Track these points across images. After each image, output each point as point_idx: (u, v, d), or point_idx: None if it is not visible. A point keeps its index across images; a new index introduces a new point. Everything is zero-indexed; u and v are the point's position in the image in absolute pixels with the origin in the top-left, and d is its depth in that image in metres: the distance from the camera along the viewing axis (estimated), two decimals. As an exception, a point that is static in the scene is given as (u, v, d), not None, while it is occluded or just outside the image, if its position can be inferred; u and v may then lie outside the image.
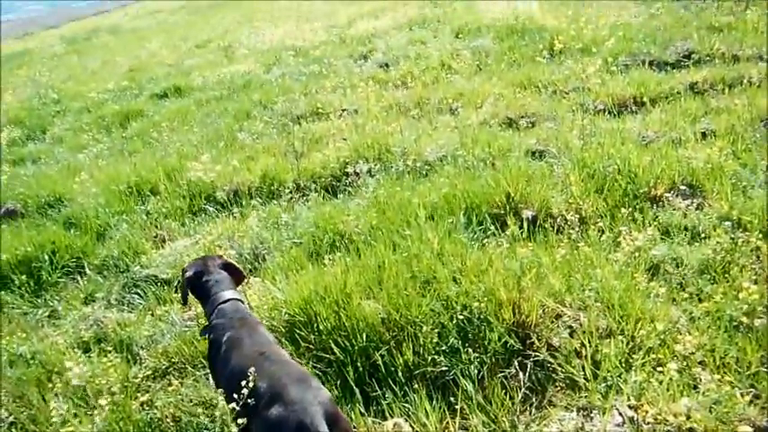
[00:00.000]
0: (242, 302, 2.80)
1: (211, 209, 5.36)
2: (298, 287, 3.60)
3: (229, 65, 10.98)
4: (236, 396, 2.23)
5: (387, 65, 9.22)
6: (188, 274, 2.85)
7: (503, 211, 4.21)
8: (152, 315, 4.02)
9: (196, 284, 2.84)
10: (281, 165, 5.81)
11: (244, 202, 5.32)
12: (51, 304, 4.49)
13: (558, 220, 4.08)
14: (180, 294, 2.94)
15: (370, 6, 14.39)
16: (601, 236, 3.77)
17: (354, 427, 2.75)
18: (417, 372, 3.04)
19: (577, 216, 3.96)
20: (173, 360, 3.61)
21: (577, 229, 3.84)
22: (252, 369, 2.28)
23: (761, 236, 3.48)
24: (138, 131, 8.05)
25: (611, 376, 2.74)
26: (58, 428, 3.06)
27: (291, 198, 5.27)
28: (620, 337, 2.90)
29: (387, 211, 4.41)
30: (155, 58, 13.89)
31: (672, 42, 7.20)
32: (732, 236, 3.51)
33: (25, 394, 3.44)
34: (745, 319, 2.91)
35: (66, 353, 3.74)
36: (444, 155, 5.39)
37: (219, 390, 2.57)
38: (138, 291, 4.41)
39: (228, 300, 2.75)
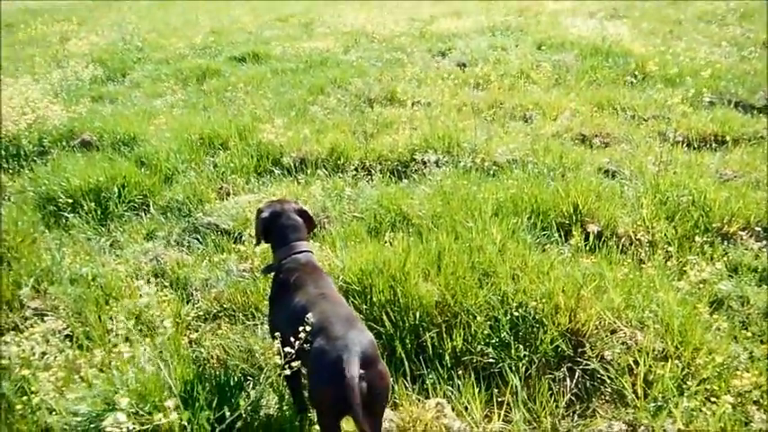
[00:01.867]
0: (313, 254, 2.87)
1: (277, 172, 5.45)
2: (357, 257, 3.65)
3: (309, 40, 11.12)
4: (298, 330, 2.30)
5: (464, 64, 9.21)
6: (264, 214, 2.90)
7: (568, 222, 4.19)
8: (209, 261, 4.12)
9: (271, 226, 2.90)
10: (350, 142, 5.87)
11: (309, 171, 5.40)
12: (114, 235, 4.65)
13: (624, 239, 4.03)
14: (255, 233, 3.00)
15: (456, 6, 14.37)
16: (666, 261, 3.71)
17: (393, 387, 2.79)
18: (465, 359, 3.05)
19: (645, 238, 3.90)
20: (224, 306, 3.71)
21: (643, 251, 3.78)
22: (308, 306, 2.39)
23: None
24: (214, 89, 8.25)
25: (663, 397, 2.70)
26: (110, 348, 3.17)
27: (356, 175, 5.32)
28: (676, 362, 2.85)
29: (451, 202, 4.42)
30: (236, 24, 14.16)
31: (761, 87, 7.01)
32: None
33: (83, 311, 3.58)
34: (808, 368, 2.84)
35: (125, 281, 3.87)
36: (514, 158, 5.37)
37: (273, 329, 2.66)
38: (198, 236, 4.52)
39: (303, 251, 2.81)
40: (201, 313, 3.66)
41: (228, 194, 5.11)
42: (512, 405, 2.80)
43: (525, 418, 2.74)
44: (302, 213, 2.97)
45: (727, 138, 5.76)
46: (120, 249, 4.43)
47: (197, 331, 3.50)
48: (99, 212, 4.88)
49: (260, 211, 2.95)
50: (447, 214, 4.24)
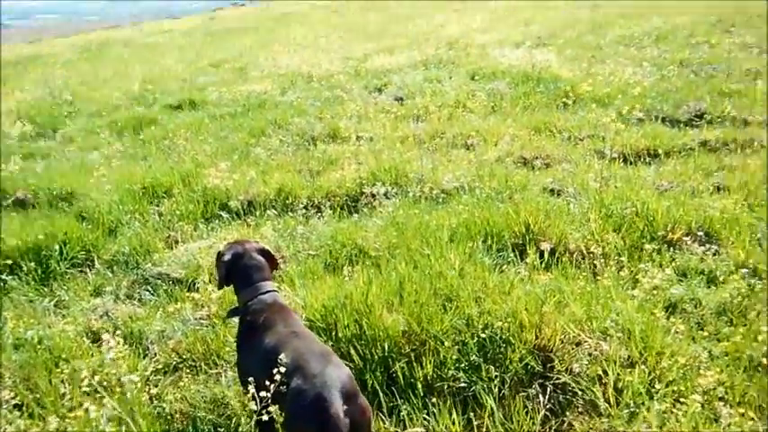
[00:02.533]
0: (278, 294, 2.81)
1: (225, 216, 5.37)
2: (318, 294, 3.61)
3: (244, 84, 11.10)
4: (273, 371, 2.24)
5: (402, 98, 9.37)
6: (225, 257, 2.84)
7: (521, 241, 4.26)
8: (163, 311, 3.99)
9: (233, 268, 2.83)
10: (297, 181, 5.85)
11: (258, 213, 5.33)
12: (58, 294, 4.44)
13: (576, 254, 4.12)
14: (217, 277, 2.93)
15: (387, 44, 14.67)
16: (619, 271, 3.82)
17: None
18: (437, 385, 3.03)
19: (598, 251, 4.01)
20: (183, 356, 3.58)
21: (598, 263, 3.89)
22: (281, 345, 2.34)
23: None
24: (153, 137, 8.09)
25: (635, 403, 2.74)
26: (65, 413, 3.00)
27: (306, 213, 5.29)
28: (643, 367, 2.91)
29: (405, 231, 4.44)
30: (168, 72, 14.03)
31: (684, 102, 7.40)
32: (749, 282, 3.57)
33: (31, 377, 3.38)
34: (765, 361, 2.95)
35: (75, 340, 3.69)
36: (461, 185, 5.46)
37: (243, 374, 2.58)
38: (149, 287, 4.38)
39: (269, 291, 2.75)
40: (161, 366, 3.52)
41: (177, 243, 4.98)
42: (489, 427, 2.79)
43: (504, 438, 2.74)
44: (264, 253, 2.92)
45: (660, 151, 6.03)
46: (66, 308, 4.23)
47: (157, 386, 3.36)
48: (40, 272, 4.67)
49: (221, 254, 2.88)
50: (403, 244, 4.25)
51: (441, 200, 5.25)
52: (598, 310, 3.34)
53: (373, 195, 5.45)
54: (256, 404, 2.29)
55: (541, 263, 3.92)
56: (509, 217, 4.42)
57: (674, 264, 3.91)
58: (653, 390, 2.82)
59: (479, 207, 4.75)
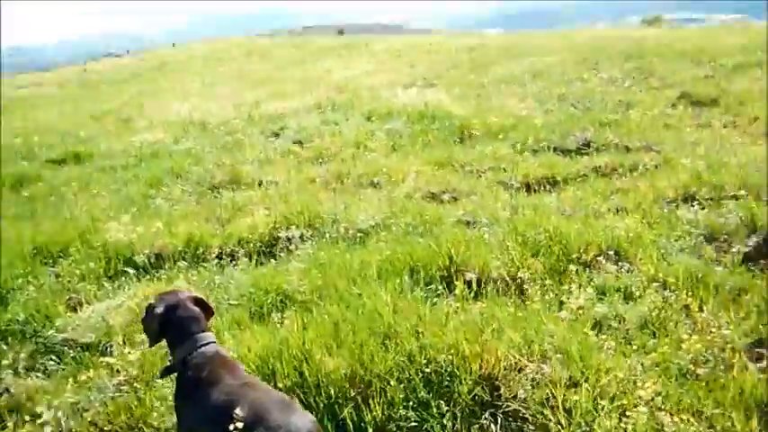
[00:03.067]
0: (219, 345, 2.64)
1: (132, 272, 5.03)
2: (250, 344, 3.44)
3: (134, 134, 10.65)
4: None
5: (300, 141, 9.35)
6: (158, 309, 2.62)
7: (446, 273, 4.30)
8: (74, 381, 3.63)
9: (167, 322, 2.62)
10: (206, 229, 5.63)
11: (168, 266, 5.05)
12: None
13: (500, 282, 4.21)
14: (147, 333, 2.71)
15: (276, 89, 14.65)
16: (544, 295, 3.93)
17: None
18: (389, 428, 2.94)
19: (523, 276, 4.12)
20: (104, 428, 3.27)
21: (524, 287, 3.99)
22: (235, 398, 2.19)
23: (688, 294, 3.77)
24: (37, 194, 7.52)
25: (585, 422, 2.80)
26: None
27: (220, 262, 5.08)
28: (586, 386, 2.98)
29: (329, 272, 4.36)
30: (46, 125, 13.19)
31: (571, 133, 7.89)
32: (663, 295, 3.79)
33: None
34: (692, 367, 3.12)
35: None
36: (376, 223, 5.46)
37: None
38: (54, 356, 3.99)
39: (209, 342, 2.57)
40: (80, 443, 3.19)
41: (81, 305, 4.59)
42: (447, 463, 2.73)
43: (463, 473, 2.69)
44: (198, 302, 2.74)
45: (558, 178, 6.37)
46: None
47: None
48: None
49: (152, 307, 2.67)
50: (330, 285, 4.17)
51: (358, 239, 5.22)
52: (533, 334, 3.41)
53: (289, 239, 5.33)
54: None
55: (470, 292, 3.97)
56: (431, 250, 4.46)
57: (592, 283, 4.08)
58: (599, 407, 2.89)
59: (399, 243, 4.77)
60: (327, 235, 5.27)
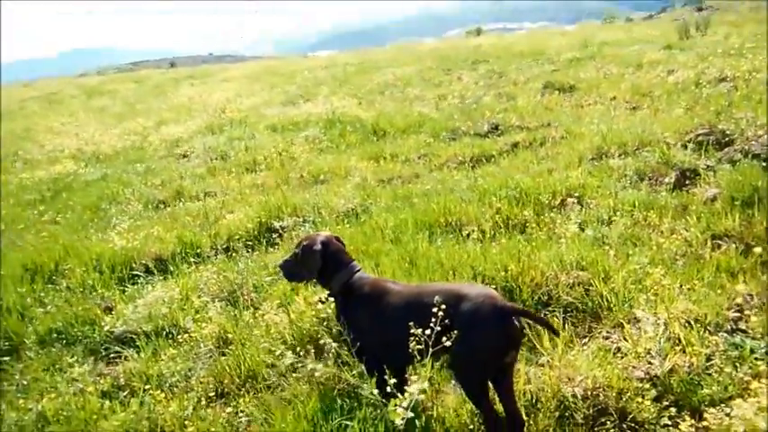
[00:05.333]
0: None
1: (142, 275, 5.18)
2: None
3: (31, 170, 10.13)
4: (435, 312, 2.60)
5: (214, 158, 9.55)
6: (317, 246, 3.08)
7: (452, 228, 5.02)
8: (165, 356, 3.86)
9: (325, 255, 3.08)
10: (192, 232, 5.85)
11: (172, 266, 5.26)
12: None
13: (501, 228, 4.99)
14: (308, 267, 3.13)
15: (157, 117, 14.42)
16: (541, 231, 4.77)
17: None
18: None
19: (513, 222, 4.94)
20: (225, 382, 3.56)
21: (523, 228, 4.82)
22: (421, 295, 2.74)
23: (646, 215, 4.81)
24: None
25: (623, 299, 3.65)
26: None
27: (227, 255, 5.37)
28: (612, 278, 3.84)
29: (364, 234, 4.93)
30: None
31: (478, 121, 8.94)
32: (631, 217, 4.80)
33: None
34: (676, 258, 4.11)
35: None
36: (355, 206, 6.03)
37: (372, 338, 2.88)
38: (120, 346, 4.13)
39: (359, 269, 3.07)
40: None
41: (111, 308, 4.68)
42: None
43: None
44: (338, 239, 3.24)
45: (487, 155, 7.32)
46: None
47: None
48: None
49: (308, 246, 3.10)
50: (370, 244, 4.72)
51: (347, 219, 5.76)
52: (555, 253, 4.22)
53: (282, 228, 5.73)
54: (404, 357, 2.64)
55: (483, 237, 4.72)
56: (433, 212, 5.16)
57: (571, 219, 5.00)
58: (629, 289, 3.76)
59: (395, 212, 5.41)
60: (317, 220, 5.74)
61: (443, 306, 2.60)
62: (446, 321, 2.60)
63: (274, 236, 5.67)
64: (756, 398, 2.71)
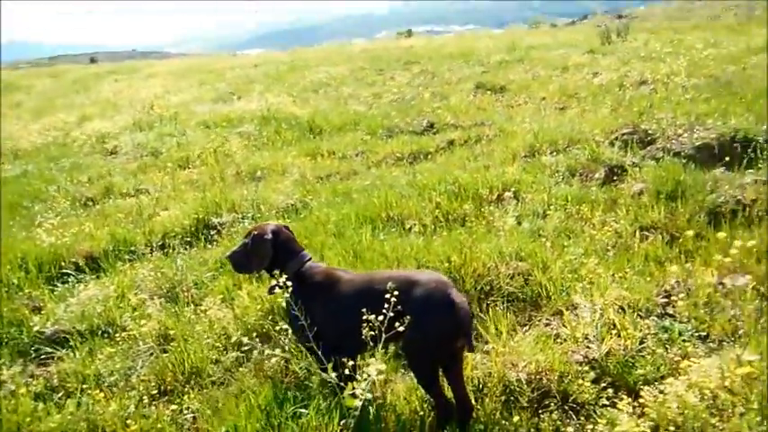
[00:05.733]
0: None
1: (72, 273, 4.99)
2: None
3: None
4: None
5: (144, 155, 9.29)
6: (268, 236, 3.06)
7: (393, 223, 5.08)
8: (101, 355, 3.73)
9: (276, 244, 3.07)
10: (126, 229, 5.67)
11: (105, 264, 5.09)
12: None
13: (441, 221, 5.09)
14: (260, 257, 3.09)
15: (81, 113, 13.85)
16: (480, 224, 4.90)
17: None
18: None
19: (453, 216, 5.05)
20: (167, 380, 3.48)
21: (463, 221, 4.93)
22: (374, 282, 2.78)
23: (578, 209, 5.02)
24: None
25: (561, 288, 3.80)
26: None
27: (163, 252, 5.23)
28: (560, 263, 3.99)
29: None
30: None
31: (414, 119, 9.05)
32: (564, 211, 4.99)
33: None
34: (608, 249, 4.31)
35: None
36: (294, 202, 6.00)
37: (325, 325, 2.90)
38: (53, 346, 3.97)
39: (310, 258, 3.07)
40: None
41: (40, 308, 4.48)
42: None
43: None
44: (287, 228, 3.22)
45: (424, 152, 7.43)
46: None
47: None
48: None
49: (259, 236, 3.07)
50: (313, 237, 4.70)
51: (287, 214, 5.73)
52: (494, 246, 4.34)
53: (221, 224, 5.63)
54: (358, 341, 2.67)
55: (424, 231, 4.80)
56: (375, 206, 5.20)
57: (508, 213, 5.15)
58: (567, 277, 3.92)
59: (336, 207, 5.42)
60: (256, 215, 5.68)
61: (395, 292, 2.64)
62: (398, 308, 2.64)
63: (212, 232, 5.56)
64: (687, 376, 2.89)
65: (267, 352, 3.13)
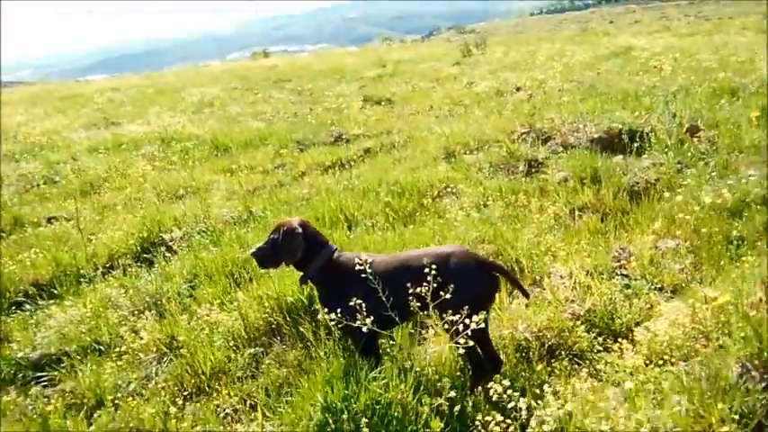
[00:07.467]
0: None
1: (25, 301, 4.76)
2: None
3: None
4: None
5: (46, 183, 8.74)
6: (299, 230, 3.24)
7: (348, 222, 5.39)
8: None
9: (305, 237, 3.25)
10: (70, 255, 5.46)
11: (59, 291, 4.90)
12: None
13: (389, 219, 5.45)
14: (292, 250, 3.25)
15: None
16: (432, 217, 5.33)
17: None
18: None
19: (400, 213, 5.47)
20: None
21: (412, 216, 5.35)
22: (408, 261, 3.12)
23: (510, 196, 5.62)
24: None
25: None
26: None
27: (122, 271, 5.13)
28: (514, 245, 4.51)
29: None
30: None
31: (320, 132, 9.34)
32: (503, 200, 5.57)
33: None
34: (555, 225, 4.92)
35: None
36: (239, 215, 6.08)
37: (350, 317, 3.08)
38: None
39: (336, 248, 3.30)
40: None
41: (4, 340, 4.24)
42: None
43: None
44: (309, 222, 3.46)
45: (345, 160, 7.75)
46: None
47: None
48: None
49: (290, 230, 3.23)
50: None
51: (239, 225, 5.81)
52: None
53: (171, 240, 5.59)
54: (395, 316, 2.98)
55: (374, 227, 5.16)
56: (332, 208, 5.48)
57: (455, 206, 5.62)
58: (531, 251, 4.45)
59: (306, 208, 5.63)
60: (209, 228, 5.69)
61: (434, 266, 2.97)
62: (438, 279, 2.96)
63: (163, 249, 5.50)
64: (664, 317, 3.50)
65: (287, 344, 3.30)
